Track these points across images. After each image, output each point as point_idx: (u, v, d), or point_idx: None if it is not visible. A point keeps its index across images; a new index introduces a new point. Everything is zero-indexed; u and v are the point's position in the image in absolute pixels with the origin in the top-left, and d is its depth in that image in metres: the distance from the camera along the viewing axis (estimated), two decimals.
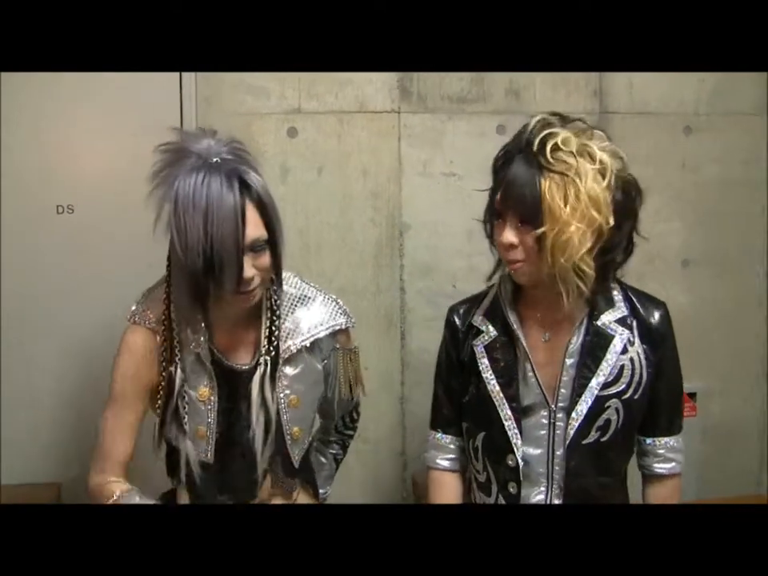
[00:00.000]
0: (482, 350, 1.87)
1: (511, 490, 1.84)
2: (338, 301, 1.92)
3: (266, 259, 1.67)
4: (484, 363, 1.85)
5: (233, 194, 1.58)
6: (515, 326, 1.83)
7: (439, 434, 1.98)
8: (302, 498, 1.98)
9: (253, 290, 1.67)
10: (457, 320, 1.95)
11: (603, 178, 1.68)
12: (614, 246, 1.75)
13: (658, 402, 1.87)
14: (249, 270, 1.63)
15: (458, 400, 1.95)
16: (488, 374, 1.84)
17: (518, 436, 1.81)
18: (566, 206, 1.65)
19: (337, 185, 2.60)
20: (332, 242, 2.59)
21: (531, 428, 1.82)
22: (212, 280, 1.60)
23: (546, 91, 2.69)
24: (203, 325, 1.76)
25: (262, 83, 2.51)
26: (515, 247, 1.72)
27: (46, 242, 2.43)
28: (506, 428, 1.81)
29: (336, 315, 1.89)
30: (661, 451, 1.89)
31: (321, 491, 2.07)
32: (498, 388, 1.83)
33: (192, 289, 1.64)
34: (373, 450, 2.66)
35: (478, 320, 1.91)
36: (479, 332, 1.89)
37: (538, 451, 1.82)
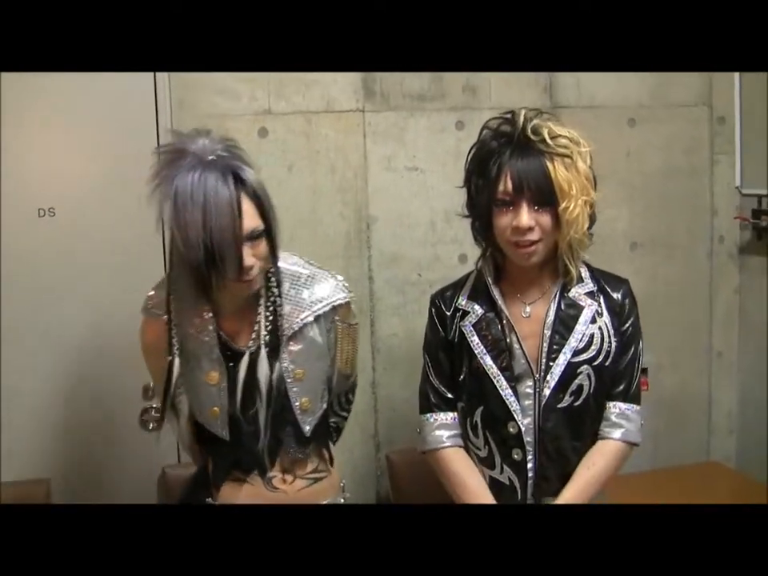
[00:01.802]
0: (471, 328, 2.00)
1: (516, 456, 1.96)
2: (338, 276, 2.00)
3: (263, 247, 1.77)
4: (474, 341, 1.98)
5: (228, 189, 1.66)
6: (500, 302, 1.97)
7: (440, 414, 2.05)
8: (317, 464, 2.03)
9: (253, 277, 1.77)
10: (442, 305, 2.07)
11: (586, 158, 1.89)
12: (593, 218, 1.96)
13: (618, 370, 2.00)
14: (248, 259, 1.72)
15: (450, 379, 2.04)
16: (480, 350, 1.97)
17: (517, 403, 1.94)
18: (573, 183, 1.83)
19: (306, 181, 2.67)
20: (304, 236, 2.64)
21: (519, 398, 1.95)
22: (214, 270, 1.68)
23: (500, 88, 2.79)
24: (210, 313, 1.86)
25: (233, 85, 2.57)
26: (532, 229, 1.87)
27: (28, 245, 2.45)
28: (504, 397, 1.94)
29: (336, 290, 1.97)
30: (612, 416, 2.00)
31: None
32: (490, 361, 1.96)
33: (196, 280, 1.73)
34: (347, 432, 2.74)
35: (463, 302, 2.03)
36: (466, 313, 2.01)
37: (527, 420, 1.95)
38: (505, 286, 2.02)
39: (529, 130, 1.88)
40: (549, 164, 1.85)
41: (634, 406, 2.03)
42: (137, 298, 2.48)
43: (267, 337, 1.89)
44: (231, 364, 1.89)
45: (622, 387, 2.02)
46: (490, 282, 2.00)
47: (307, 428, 1.97)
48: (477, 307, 2.01)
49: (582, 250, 1.97)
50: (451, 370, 2.05)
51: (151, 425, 2.58)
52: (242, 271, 1.73)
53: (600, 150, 2.84)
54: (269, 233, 1.78)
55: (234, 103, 2.59)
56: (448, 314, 2.05)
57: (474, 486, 2.00)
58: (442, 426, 2.05)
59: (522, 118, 1.90)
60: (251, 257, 1.74)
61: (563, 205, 1.84)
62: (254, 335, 1.90)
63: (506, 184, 1.87)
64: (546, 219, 1.87)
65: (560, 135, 1.87)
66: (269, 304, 1.90)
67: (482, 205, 1.95)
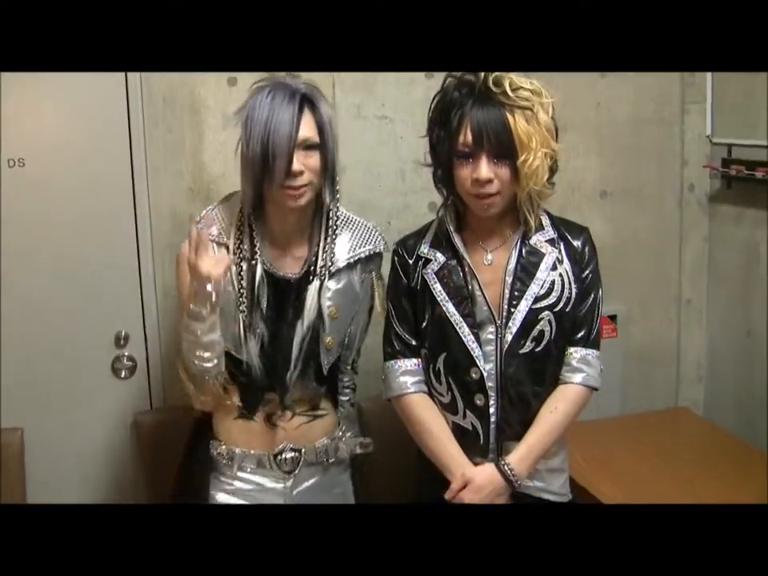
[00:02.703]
0: (433, 276, 2.02)
1: (478, 402, 2.00)
2: (377, 228, 2.16)
3: (315, 160, 1.91)
4: (437, 288, 2.01)
5: (294, 102, 1.87)
6: (461, 250, 2.00)
7: (405, 360, 2.08)
8: (324, 404, 2.14)
9: (300, 186, 1.89)
10: (404, 253, 2.10)
11: (548, 110, 1.89)
12: (554, 170, 1.97)
13: (579, 317, 2.04)
14: (297, 164, 1.88)
15: (414, 326, 2.08)
16: (441, 297, 2.00)
17: (480, 349, 1.97)
18: (533, 135, 1.84)
19: None
20: None
21: (482, 344, 1.99)
22: (267, 170, 1.86)
23: None
24: (256, 240, 2.01)
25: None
26: (491, 182, 1.89)
27: None
28: (466, 343, 1.97)
29: (376, 239, 2.11)
30: (573, 361, 2.04)
31: (347, 432, 2.21)
32: (453, 308, 1.99)
33: (253, 180, 1.90)
34: None
35: (425, 250, 2.06)
36: (428, 261, 2.04)
37: (489, 366, 1.99)
38: (466, 235, 2.05)
39: (490, 82, 1.88)
40: (509, 116, 1.86)
41: (594, 351, 2.07)
42: (108, 244, 2.52)
43: (314, 268, 2.02)
44: (273, 289, 2.00)
45: (582, 333, 2.05)
46: (452, 230, 2.03)
47: (326, 366, 2.07)
48: (439, 255, 2.03)
49: (541, 201, 1.99)
50: (414, 317, 2.07)
51: (124, 372, 2.61)
52: (290, 174, 1.87)
53: (570, 99, 2.90)
54: (323, 149, 1.93)
55: None
56: (410, 262, 2.07)
57: (437, 431, 2.04)
58: (406, 373, 2.08)
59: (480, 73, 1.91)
60: (301, 164, 1.89)
61: (522, 158, 1.86)
62: (299, 265, 2.03)
63: (466, 136, 1.89)
64: (505, 171, 1.89)
65: (521, 87, 1.88)
66: (324, 237, 2.04)
67: (443, 155, 1.97)
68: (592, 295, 2.05)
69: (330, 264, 2.03)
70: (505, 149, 1.87)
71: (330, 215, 2.05)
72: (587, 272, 2.05)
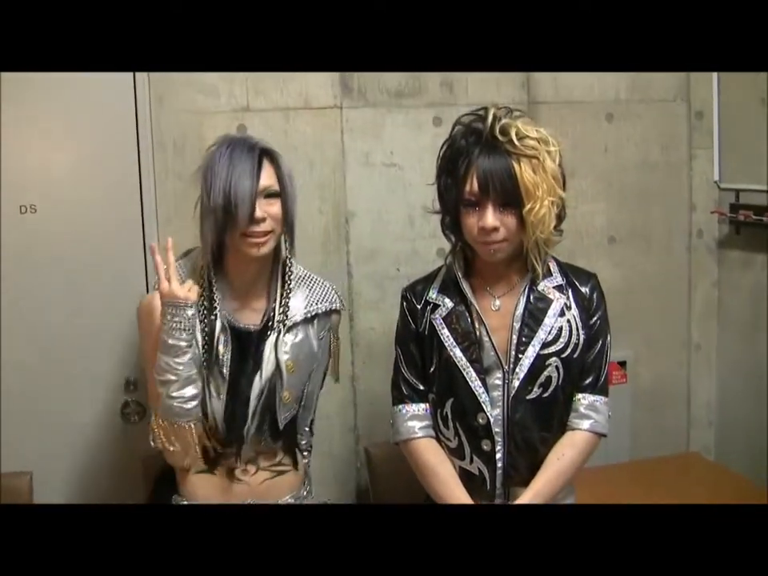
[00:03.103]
0: (441, 321, 2.03)
1: (485, 447, 2.00)
2: (334, 287, 2.20)
3: (277, 208, 1.96)
4: (444, 333, 2.02)
5: (254, 153, 1.94)
6: (469, 295, 2.00)
7: (413, 405, 2.09)
8: (282, 458, 2.14)
9: (263, 233, 1.93)
10: (413, 298, 2.11)
11: (555, 158, 1.90)
12: (561, 217, 1.97)
13: (587, 363, 2.04)
14: (260, 211, 1.92)
15: (422, 371, 2.08)
16: (449, 342, 2.00)
17: (487, 394, 1.97)
18: (539, 184, 1.86)
19: None
20: None
21: (489, 389, 1.98)
22: (230, 218, 1.89)
23: (477, 84, 2.80)
24: (216, 294, 2.02)
25: (212, 82, 2.57)
26: (497, 230, 1.90)
27: (9, 242, 2.44)
28: (473, 388, 1.97)
29: (334, 297, 2.15)
30: (580, 408, 2.04)
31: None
32: (460, 354, 1.99)
33: (216, 231, 1.92)
34: (327, 425, 2.78)
35: (433, 295, 2.07)
36: (436, 306, 2.05)
37: (496, 411, 1.98)
38: (474, 280, 2.06)
39: (497, 130, 1.90)
40: (515, 165, 1.87)
41: (602, 397, 2.06)
42: (117, 292, 2.53)
43: (271, 322, 2.03)
44: (234, 341, 2.02)
45: (590, 379, 2.05)
46: (460, 275, 2.04)
47: (282, 422, 2.06)
48: (447, 300, 2.04)
49: (549, 248, 2.00)
50: (422, 362, 2.08)
51: (133, 417, 2.61)
52: (254, 220, 1.91)
53: (578, 145, 2.92)
54: (284, 197, 1.98)
55: (213, 99, 2.60)
56: (419, 307, 2.08)
57: (444, 475, 2.04)
58: (414, 417, 2.08)
59: (490, 117, 1.93)
60: (263, 211, 1.93)
61: (528, 206, 1.87)
62: (259, 317, 2.06)
63: (473, 184, 1.90)
64: (511, 220, 1.90)
65: (527, 136, 1.89)
66: (282, 290, 2.07)
67: (450, 203, 1.99)
68: (600, 342, 2.06)
69: (286, 317, 2.05)
70: (511, 197, 1.88)
71: (288, 268, 2.09)
72: (595, 318, 2.05)
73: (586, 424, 2.03)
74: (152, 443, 2.01)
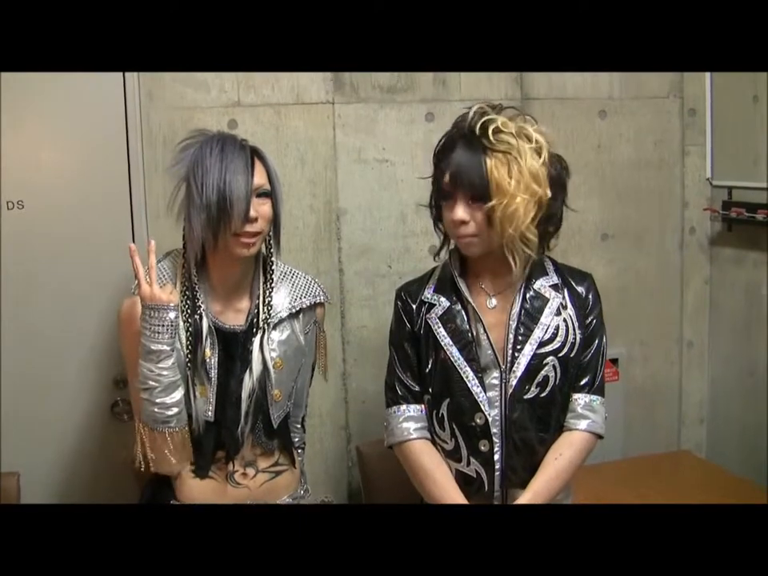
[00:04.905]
0: (437, 321, 2.01)
1: (482, 448, 1.98)
2: (317, 280, 2.17)
3: (268, 207, 1.94)
4: (441, 333, 2.00)
5: (245, 151, 1.91)
6: (465, 293, 1.99)
7: (408, 406, 2.06)
8: (278, 458, 2.11)
9: (254, 234, 1.89)
10: (408, 298, 2.09)
11: (539, 155, 1.88)
12: (551, 216, 1.95)
13: (583, 363, 2.03)
14: (253, 211, 1.88)
15: (417, 371, 2.06)
16: (446, 342, 1.98)
17: (484, 393, 1.95)
18: (510, 180, 1.83)
19: None
20: None
21: (486, 389, 1.97)
22: (224, 217, 1.84)
23: (470, 80, 2.77)
24: (199, 295, 1.97)
25: (202, 77, 2.55)
26: (466, 223, 1.89)
27: None
28: (470, 387, 1.96)
29: (317, 290, 2.12)
30: (577, 408, 2.03)
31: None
32: (457, 353, 1.97)
33: (207, 229, 1.86)
34: (318, 425, 2.77)
35: (428, 295, 2.05)
36: (431, 305, 2.03)
37: (494, 411, 1.97)
38: (470, 279, 2.04)
39: (475, 126, 1.90)
40: (488, 160, 1.86)
41: (599, 397, 2.05)
42: (105, 291, 2.50)
43: (256, 320, 2.00)
44: (220, 343, 1.98)
45: (587, 379, 2.04)
46: (456, 274, 2.02)
47: (276, 420, 2.04)
48: (443, 299, 2.03)
49: (528, 247, 1.93)
50: (418, 362, 2.06)
51: (125, 416, 2.57)
52: (248, 220, 1.87)
53: (571, 141, 2.91)
54: (274, 197, 1.96)
55: (203, 95, 2.58)
56: (414, 306, 2.06)
57: (440, 478, 2.01)
58: (410, 419, 2.06)
59: (471, 113, 1.93)
60: (256, 211, 1.90)
61: (495, 201, 1.85)
62: (243, 317, 2.02)
63: (446, 178, 1.91)
64: (480, 215, 1.89)
65: (503, 132, 1.88)
66: (265, 289, 2.03)
67: (435, 196, 2.00)
68: (596, 341, 2.04)
69: (271, 315, 2.02)
70: (479, 191, 1.87)
71: (270, 267, 2.05)
72: (591, 318, 2.04)
73: (583, 424, 2.02)
74: (137, 455, 1.95)
